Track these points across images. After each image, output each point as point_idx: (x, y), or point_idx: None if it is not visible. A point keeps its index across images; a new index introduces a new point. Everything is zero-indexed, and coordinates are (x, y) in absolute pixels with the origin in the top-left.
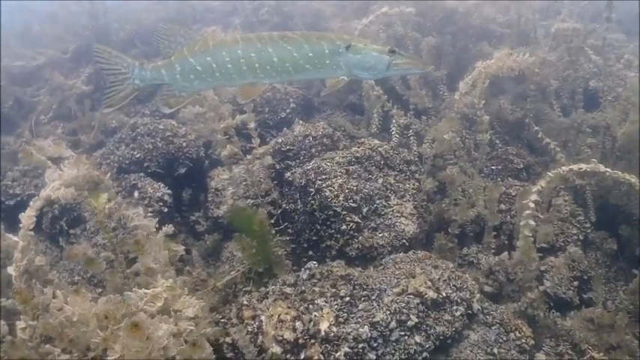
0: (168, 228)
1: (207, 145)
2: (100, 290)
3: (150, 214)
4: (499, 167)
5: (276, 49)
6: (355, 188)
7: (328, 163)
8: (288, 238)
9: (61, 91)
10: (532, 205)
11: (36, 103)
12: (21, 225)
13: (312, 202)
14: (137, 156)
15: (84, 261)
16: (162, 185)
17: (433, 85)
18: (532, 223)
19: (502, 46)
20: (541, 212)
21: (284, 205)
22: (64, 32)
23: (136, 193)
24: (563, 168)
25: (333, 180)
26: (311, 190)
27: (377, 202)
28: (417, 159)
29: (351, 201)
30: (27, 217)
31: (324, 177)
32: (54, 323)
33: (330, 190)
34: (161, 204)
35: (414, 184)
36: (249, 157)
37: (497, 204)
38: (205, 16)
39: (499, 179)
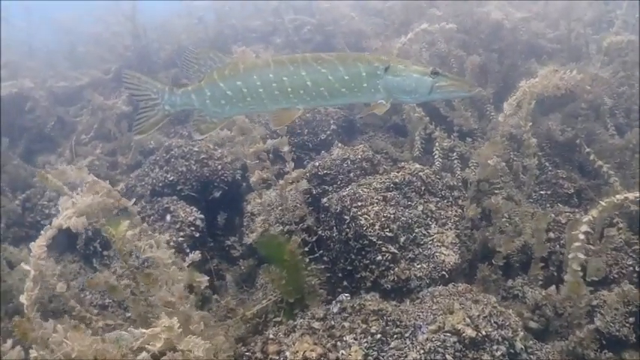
0: (195, 255)
1: (245, 168)
2: (129, 314)
3: (181, 239)
4: (548, 192)
5: (309, 72)
6: (392, 216)
7: (365, 189)
8: (323, 266)
9: (102, 112)
10: (582, 237)
11: (78, 123)
12: (32, 254)
13: (347, 230)
14: (170, 179)
15: (107, 289)
16: (194, 209)
17: (479, 105)
18: (581, 256)
19: (552, 62)
20: (592, 242)
21: (320, 232)
22: (107, 53)
23: (168, 217)
24: (617, 197)
25: (369, 207)
26: (346, 217)
27: (416, 230)
28: (460, 184)
29: (388, 230)
30: (37, 247)
31: (359, 204)
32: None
33: (366, 219)
34: (193, 229)
35: (456, 211)
36: (281, 181)
37: (545, 233)
38: (247, 35)
39: (548, 205)
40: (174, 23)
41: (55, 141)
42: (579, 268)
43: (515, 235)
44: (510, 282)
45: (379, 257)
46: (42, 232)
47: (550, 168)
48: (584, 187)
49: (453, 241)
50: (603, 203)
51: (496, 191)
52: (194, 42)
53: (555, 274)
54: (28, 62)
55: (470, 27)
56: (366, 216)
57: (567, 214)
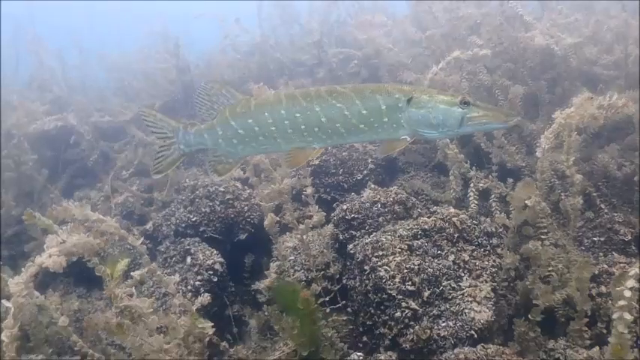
0: (204, 299)
1: (278, 209)
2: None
3: (198, 282)
4: (602, 239)
5: (324, 107)
6: (417, 268)
7: (389, 237)
8: (345, 317)
9: (142, 147)
10: (628, 294)
11: (118, 159)
12: (12, 291)
13: (367, 281)
14: (193, 219)
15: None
16: (215, 252)
17: (529, 139)
18: (628, 317)
19: (610, 90)
20: None
21: (344, 281)
22: (154, 88)
23: (188, 259)
24: None
25: (390, 258)
26: (366, 268)
27: (444, 283)
28: (500, 230)
29: (409, 283)
30: (16, 284)
31: (380, 253)
32: None
33: (386, 270)
34: (211, 272)
35: (494, 261)
36: (302, 226)
37: (589, 284)
38: (293, 69)
39: (601, 254)
40: (218, 59)
41: (97, 176)
42: (626, 331)
43: (560, 286)
44: (552, 343)
45: (398, 313)
46: (23, 269)
47: (606, 210)
48: None
49: (488, 296)
50: None
51: (542, 236)
52: (238, 77)
53: (605, 331)
54: (75, 97)
55: (516, 55)
56: (386, 267)
57: (622, 264)
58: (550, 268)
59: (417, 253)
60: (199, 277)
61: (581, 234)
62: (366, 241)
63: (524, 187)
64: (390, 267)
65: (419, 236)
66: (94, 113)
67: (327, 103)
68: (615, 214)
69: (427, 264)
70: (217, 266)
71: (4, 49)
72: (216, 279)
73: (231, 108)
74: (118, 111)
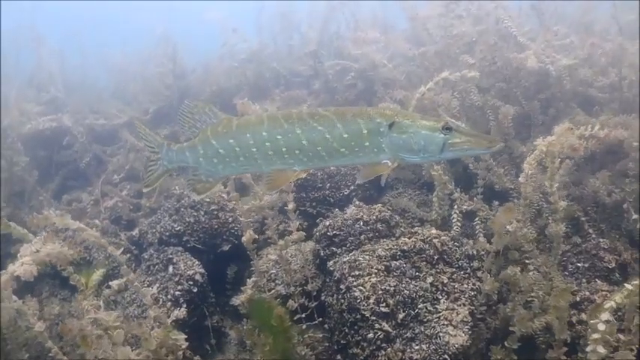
0: (180, 312)
1: (264, 222)
2: None
3: (178, 292)
4: (585, 265)
5: (305, 130)
6: (392, 289)
7: (366, 257)
8: (322, 335)
9: (134, 152)
10: (601, 327)
11: (110, 163)
12: None
13: (342, 300)
14: (177, 229)
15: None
16: (196, 263)
17: (518, 161)
18: (602, 350)
19: (604, 114)
20: (623, 330)
21: (323, 297)
22: (150, 92)
23: (170, 268)
24: None
25: (366, 278)
26: (342, 287)
27: (420, 306)
28: (482, 253)
29: (384, 305)
30: None
31: (357, 273)
32: None
33: (361, 291)
34: (191, 283)
35: (474, 284)
36: (281, 241)
37: (569, 312)
38: (291, 79)
39: (584, 280)
40: (215, 65)
41: (89, 179)
42: None
43: (540, 313)
44: None
45: (371, 334)
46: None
47: (594, 235)
48: (629, 260)
49: (465, 319)
50: (630, 287)
51: (526, 261)
52: (234, 84)
53: None
54: (72, 98)
55: (510, 75)
56: (361, 287)
57: (604, 292)
58: (531, 295)
59: (395, 274)
60: (179, 287)
61: (565, 259)
62: (344, 259)
63: (505, 211)
64: (365, 287)
65: (398, 257)
66: (89, 115)
67: (308, 125)
68: (601, 240)
69: (404, 285)
70: (198, 277)
71: (5, 45)
72: (196, 289)
73: (213, 127)
74: (113, 114)
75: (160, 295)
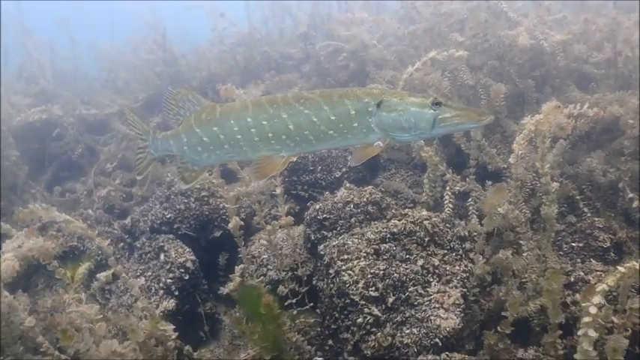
0: (168, 304)
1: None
2: None
3: (169, 280)
4: (580, 245)
5: (291, 114)
6: (382, 273)
7: (355, 240)
8: (313, 320)
9: (126, 141)
10: (593, 310)
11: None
12: None
13: (332, 285)
14: (168, 216)
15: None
16: (187, 250)
17: (511, 139)
18: (593, 334)
19: (600, 90)
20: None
21: (314, 282)
22: (140, 80)
23: (162, 256)
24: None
25: (355, 262)
26: (331, 271)
27: (410, 289)
28: (475, 234)
29: (373, 289)
30: None
31: (346, 257)
32: None
33: (349, 275)
34: (182, 270)
35: (466, 266)
36: (268, 227)
37: (563, 294)
38: (282, 62)
39: (579, 260)
40: (205, 50)
41: (83, 169)
42: (590, 348)
43: (534, 296)
44: (522, 352)
45: (360, 319)
46: None
47: (589, 214)
48: (624, 239)
49: (457, 302)
50: (622, 269)
51: (520, 242)
52: (225, 69)
53: None
54: (62, 89)
55: (502, 53)
56: (349, 272)
57: (599, 272)
58: (524, 278)
59: (384, 257)
60: (171, 275)
61: (560, 238)
62: (333, 243)
63: (495, 192)
64: (353, 272)
65: (387, 240)
66: (80, 106)
67: (294, 109)
68: (596, 219)
69: (394, 269)
70: (189, 264)
71: None
72: (187, 277)
73: (197, 115)
74: (104, 104)
75: (152, 284)
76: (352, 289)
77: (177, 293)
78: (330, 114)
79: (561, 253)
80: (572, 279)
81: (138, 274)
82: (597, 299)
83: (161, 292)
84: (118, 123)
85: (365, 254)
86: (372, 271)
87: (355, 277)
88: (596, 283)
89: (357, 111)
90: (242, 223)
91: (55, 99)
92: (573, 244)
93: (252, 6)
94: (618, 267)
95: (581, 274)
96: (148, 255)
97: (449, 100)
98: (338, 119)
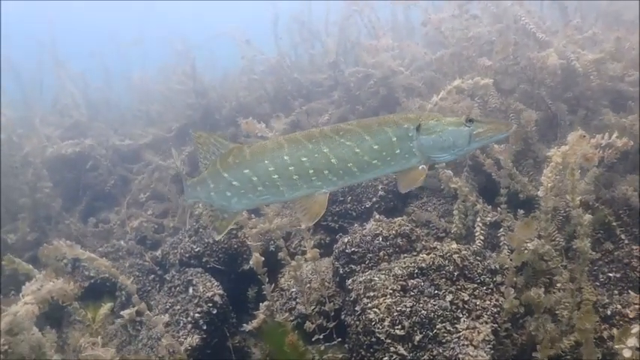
0: (192, 340)
1: (287, 237)
2: None
3: (197, 315)
4: (617, 275)
5: (332, 147)
6: (409, 311)
7: (382, 276)
8: (341, 355)
9: (159, 172)
10: (627, 354)
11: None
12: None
13: (358, 322)
14: (197, 250)
15: None
16: (215, 284)
17: (544, 165)
18: None
19: (634, 112)
20: None
21: (342, 316)
22: (172, 111)
23: (190, 290)
24: None
25: (381, 300)
26: (357, 308)
27: (438, 326)
28: (507, 266)
29: (399, 327)
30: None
31: (372, 294)
32: None
33: (375, 313)
34: (210, 305)
35: (497, 300)
36: (293, 262)
37: (595, 332)
38: (313, 89)
39: (616, 292)
40: (235, 79)
41: (117, 199)
42: None
43: (568, 330)
44: None
45: (386, 358)
46: None
47: (626, 241)
48: None
49: (487, 338)
50: None
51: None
52: (255, 98)
53: None
54: (95, 121)
55: (533, 75)
56: (375, 309)
57: (637, 305)
58: (556, 314)
59: (412, 293)
60: (199, 309)
61: (596, 268)
62: (360, 279)
63: (523, 227)
64: (379, 309)
65: (415, 275)
66: (113, 137)
67: (335, 142)
68: (634, 248)
69: (421, 305)
70: (217, 298)
71: (29, 71)
72: (215, 311)
73: (222, 158)
74: (138, 134)
75: (181, 318)
76: (378, 327)
77: (205, 327)
78: (373, 143)
79: (597, 283)
80: (608, 312)
81: (167, 307)
82: (632, 342)
83: (189, 326)
84: (151, 153)
85: (391, 291)
86: (398, 308)
87: (381, 315)
88: (633, 318)
89: (398, 137)
90: (263, 258)
91: (88, 131)
92: (610, 274)
93: (280, 32)
94: None
95: (619, 307)
96: (177, 288)
97: (477, 117)
98: (380, 147)
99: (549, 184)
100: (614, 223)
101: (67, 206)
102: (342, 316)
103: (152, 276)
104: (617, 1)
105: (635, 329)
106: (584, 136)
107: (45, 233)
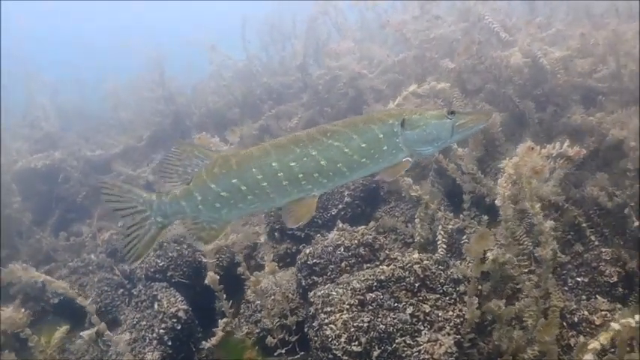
0: (153, 356)
1: (253, 248)
2: None
3: (162, 331)
4: (585, 280)
5: (320, 149)
6: (366, 326)
7: (340, 290)
8: None
9: (130, 181)
10: None
11: None
12: None
13: (316, 338)
14: (161, 264)
15: None
16: (179, 299)
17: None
18: None
19: (605, 108)
20: None
21: (306, 329)
22: (143, 118)
23: (155, 305)
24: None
25: (337, 315)
26: (315, 324)
27: (397, 340)
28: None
29: (356, 343)
30: None
31: (329, 309)
32: None
33: (332, 329)
34: (175, 320)
35: (460, 310)
36: (252, 278)
37: (558, 342)
38: (283, 92)
39: (584, 297)
40: (205, 85)
41: (89, 210)
42: None
43: (533, 340)
44: None
45: None
46: None
47: (596, 243)
48: (634, 270)
49: (449, 351)
50: (616, 325)
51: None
52: (223, 105)
53: None
54: (66, 133)
55: (499, 74)
56: (332, 326)
57: (604, 312)
58: (520, 323)
59: (370, 307)
60: (163, 325)
61: (565, 272)
62: (319, 293)
63: (478, 239)
64: (336, 326)
65: (374, 288)
66: (85, 147)
67: (323, 144)
68: (603, 250)
69: (380, 319)
70: (181, 314)
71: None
72: (179, 327)
73: (208, 169)
74: (109, 144)
75: (147, 334)
76: (334, 344)
77: (170, 343)
78: (361, 142)
79: (566, 288)
80: (575, 319)
81: (134, 322)
82: (589, 357)
83: (155, 342)
84: (121, 164)
85: (348, 306)
86: (355, 324)
87: (337, 332)
88: (599, 325)
89: (384, 134)
90: (218, 276)
91: (60, 141)
92: (579, 278)
93: (249, 35)
94: (612, 323)
95: (586, 313)
96: (144, 303)
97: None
98: (368, 145)
99: (506, 193)
100: (584, 225)
101: (39, 219)
102: (306, 329)
103: (121, 290)
104: None
105: (591, 346)
106: (533, 148)
107: (16, 248)
